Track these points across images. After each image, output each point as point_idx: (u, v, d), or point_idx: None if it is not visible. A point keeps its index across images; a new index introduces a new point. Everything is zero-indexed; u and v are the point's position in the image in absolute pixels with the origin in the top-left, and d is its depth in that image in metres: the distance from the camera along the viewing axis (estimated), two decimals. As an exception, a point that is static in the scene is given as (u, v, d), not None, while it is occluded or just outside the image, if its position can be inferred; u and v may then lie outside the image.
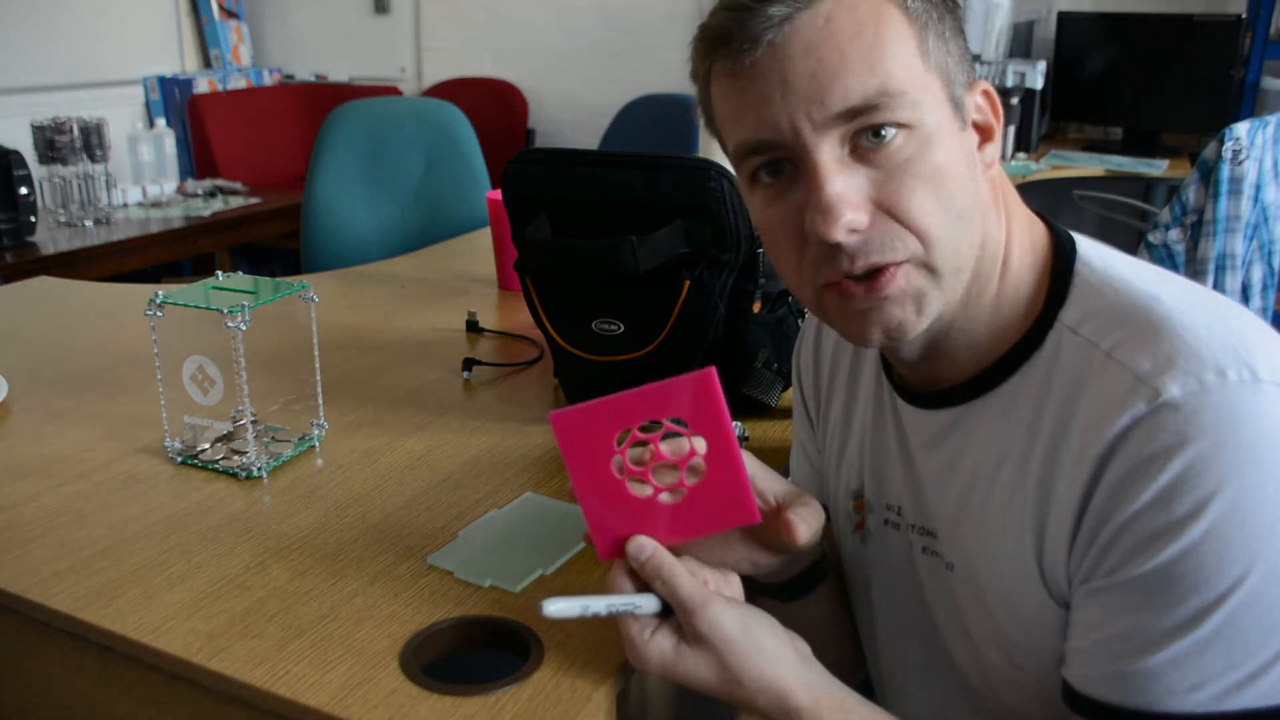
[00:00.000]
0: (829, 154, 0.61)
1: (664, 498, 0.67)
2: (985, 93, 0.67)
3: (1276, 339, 0.62)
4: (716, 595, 0.67)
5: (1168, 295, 0.64)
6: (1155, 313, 0.62)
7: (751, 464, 0.70)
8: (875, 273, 0.62)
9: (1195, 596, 0.56)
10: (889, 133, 0.61)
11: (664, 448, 0.67)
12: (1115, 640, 0.60)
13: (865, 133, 0.61)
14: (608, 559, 0.69)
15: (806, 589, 0.78)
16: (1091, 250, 0.69)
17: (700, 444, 0.66)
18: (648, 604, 0.67)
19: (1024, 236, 0.69)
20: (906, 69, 0.61)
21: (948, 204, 0.62)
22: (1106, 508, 0.60)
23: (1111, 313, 0.64)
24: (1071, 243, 0.70)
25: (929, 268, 0.63)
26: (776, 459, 0.99)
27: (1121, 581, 0.59)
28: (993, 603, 0.69)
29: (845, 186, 0.61)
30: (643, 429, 0.65)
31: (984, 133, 0.67)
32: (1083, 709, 0.62)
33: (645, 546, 0.67)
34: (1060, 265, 0.68)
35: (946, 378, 0.71)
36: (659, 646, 0.67)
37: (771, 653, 0.66)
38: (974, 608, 0.70)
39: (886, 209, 0.62)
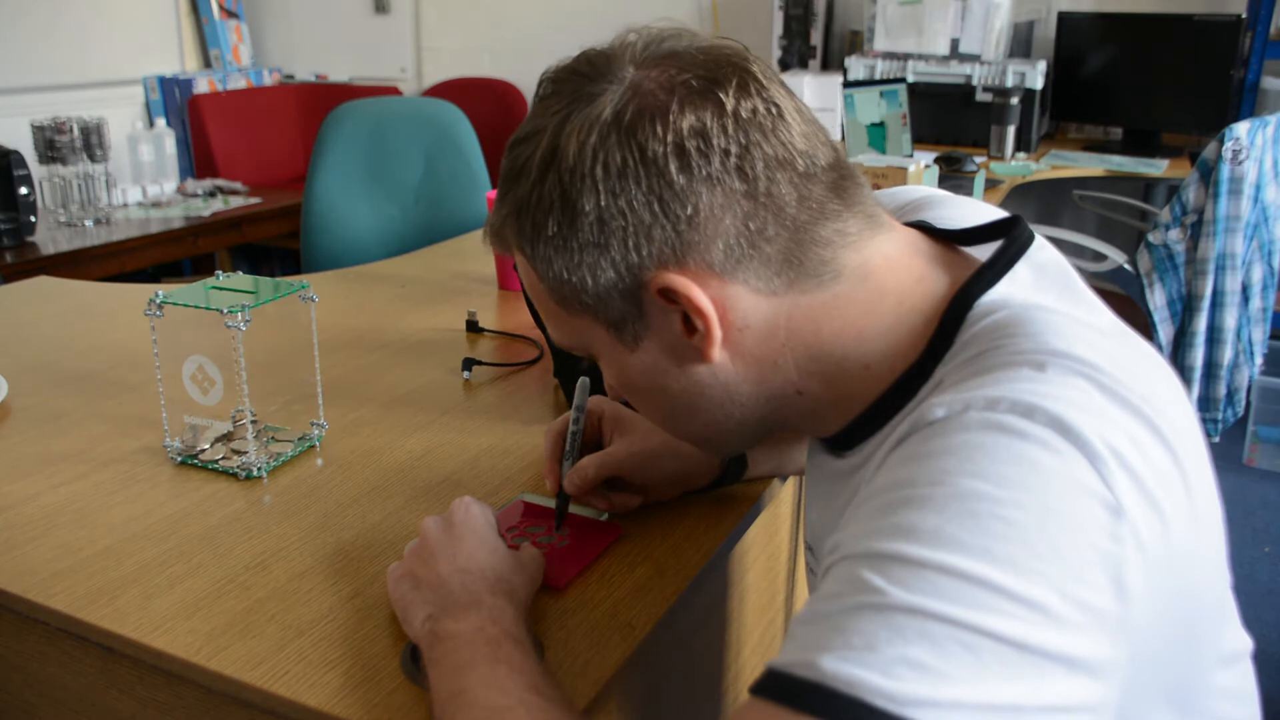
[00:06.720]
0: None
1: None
2: (661, 291, 0.61)
3: (1116, 411, 0.51)
4: None
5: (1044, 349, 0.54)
6: (1012, 359, 0.53)
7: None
8: None
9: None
10: None
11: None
12: None
13: None
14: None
15: (736, 477, 0.93)
16: (1002, 305, 0.59)
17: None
18: None
19: (887, 344, 0.62)
20: (560, 321, 0.68)
21: (651, 409, 0.71)
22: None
23: (977, 361, 0.56)
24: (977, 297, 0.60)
25: None
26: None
27: None
28: None
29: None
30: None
31: (689, 322, 0.62)
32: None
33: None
34: (949, 326, 0.60)
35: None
36: None
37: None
38: None
39: None
